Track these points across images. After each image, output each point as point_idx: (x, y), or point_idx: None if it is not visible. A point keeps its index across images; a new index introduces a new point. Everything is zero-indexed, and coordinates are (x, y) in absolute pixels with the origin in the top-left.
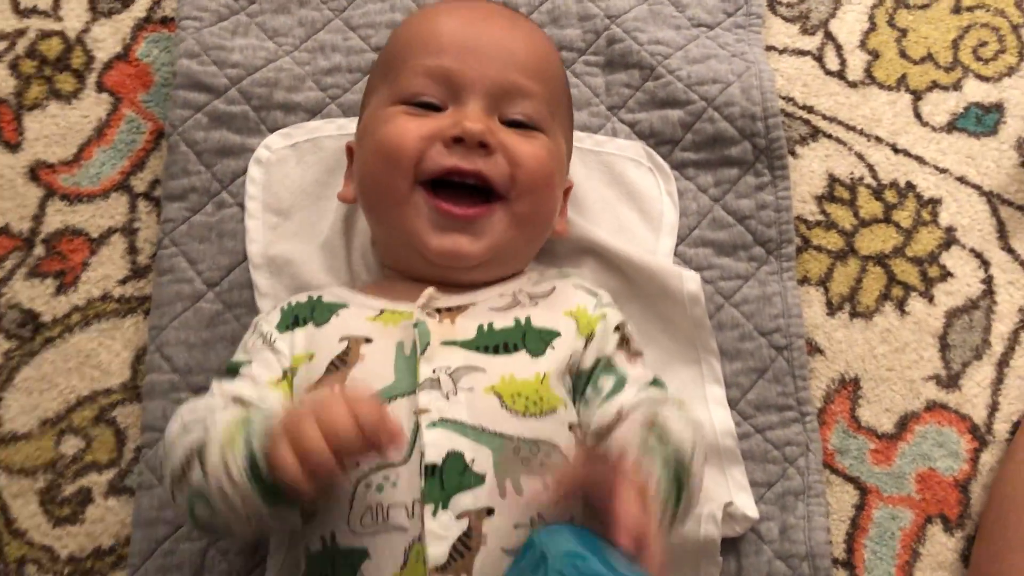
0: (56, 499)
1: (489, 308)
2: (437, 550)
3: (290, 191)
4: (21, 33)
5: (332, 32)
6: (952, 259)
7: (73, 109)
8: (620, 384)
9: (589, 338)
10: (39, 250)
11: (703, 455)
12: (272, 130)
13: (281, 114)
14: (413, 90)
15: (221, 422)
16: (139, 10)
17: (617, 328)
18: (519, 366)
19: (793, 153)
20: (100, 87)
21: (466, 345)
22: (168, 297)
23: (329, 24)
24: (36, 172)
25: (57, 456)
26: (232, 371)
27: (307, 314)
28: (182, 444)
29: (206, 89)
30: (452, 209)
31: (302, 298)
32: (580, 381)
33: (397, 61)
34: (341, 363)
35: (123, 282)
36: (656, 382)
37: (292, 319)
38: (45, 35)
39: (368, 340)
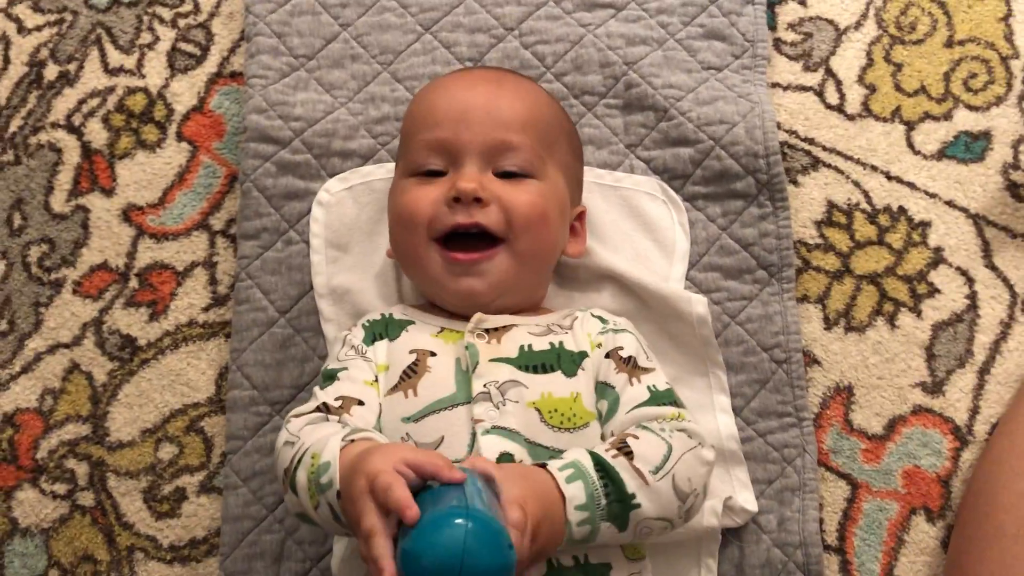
0: (157, 497)
1: (528, 332)
2: None
3: (348, 228)
4: (111, 90)
5: (381, 84)
6: (939, 277)
7: (157, 157)
8: (613, 407)
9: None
10: (133, 283)
11: (692, 462)
12: (331, 175)
13: (339, 160)
14: (419, 162)
15: (304, 457)
16: (211, 66)
17: (608, 355)
18: (556, 385)
19: (795, 182)
20: (180, 137)
21: (511, 362)
22: (246, 324)
23: (378, 77)
24: (128, 214)
25: (156, 460)
26: (329, 377)
27: (383, 330)
28: (285, 456)
29: (273, 141)
30: (457, 256)
31: (376, 316)
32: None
33: (407, 137)
34: (412, 372)
35: (206, 309)
36: (656, 397)
37: (372, 335)
38: (131, 91)
39: (433, 354)
